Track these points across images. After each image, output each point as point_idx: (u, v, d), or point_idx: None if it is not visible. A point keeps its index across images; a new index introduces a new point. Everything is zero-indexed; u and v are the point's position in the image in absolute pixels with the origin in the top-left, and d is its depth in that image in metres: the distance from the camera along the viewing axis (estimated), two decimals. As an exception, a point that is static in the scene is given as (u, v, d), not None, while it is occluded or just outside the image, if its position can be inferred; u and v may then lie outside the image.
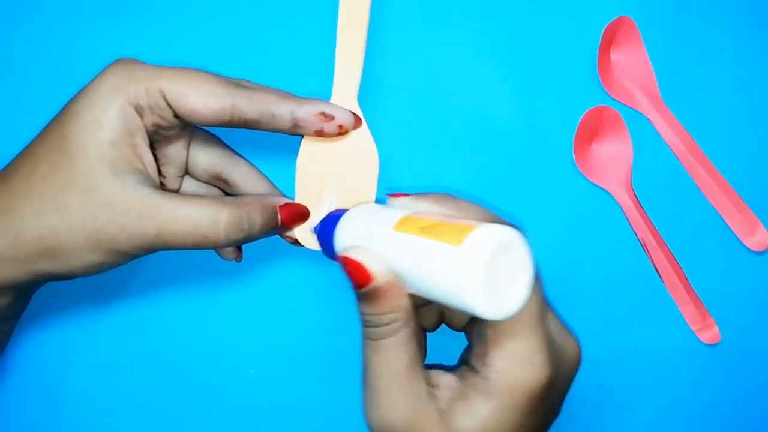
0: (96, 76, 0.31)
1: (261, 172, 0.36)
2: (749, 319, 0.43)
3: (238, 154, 0.36)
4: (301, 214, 0.34)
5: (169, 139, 0.33)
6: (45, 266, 0.31)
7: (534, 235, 0.41)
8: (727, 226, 0.43)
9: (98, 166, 0.30)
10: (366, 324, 0.29)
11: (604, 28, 0.42)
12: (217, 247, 0.32)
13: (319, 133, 0.33)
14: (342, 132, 0.33)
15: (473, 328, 0.31)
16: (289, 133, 0.33)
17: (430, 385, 0.29)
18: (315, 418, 0.42)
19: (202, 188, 0.36)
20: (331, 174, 0.35)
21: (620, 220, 0.43)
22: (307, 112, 0.32)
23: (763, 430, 0.43)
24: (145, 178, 0.31)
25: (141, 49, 0.41)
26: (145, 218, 0.30)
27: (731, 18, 0.43)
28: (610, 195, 0.43)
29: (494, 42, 0.42)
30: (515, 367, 0.28)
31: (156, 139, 0.33)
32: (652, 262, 0.43)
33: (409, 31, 0.42)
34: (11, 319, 0.35)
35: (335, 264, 0.42)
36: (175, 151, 0.34)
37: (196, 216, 0.31)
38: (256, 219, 0.32)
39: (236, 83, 0.31)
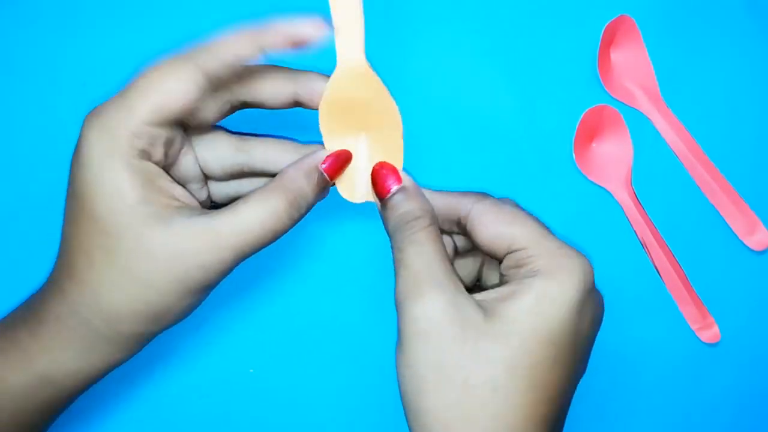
0: (79, 148, 0.29)
1: (274, 137, 0.34)
2: (749, 319, 0.43)
3: (246, 135, 0.34)
4: (344, 159, 0.33)
5: (177, 160, 0.32)
6: (150, 329, 0.31)
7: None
8: (727, 226, 0.43)
9: (145, 230, 0.29)
10: (396, 226, 0.32)
11: (604, 27, 0.42)
12: (287, 232, 0.31)
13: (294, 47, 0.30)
14: (302, 44, 0.30)
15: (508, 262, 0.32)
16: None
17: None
18: (315, 418, 0.42)
19: (233, 183, 0.35)
20: (357, 133, 0.34)
21: (620, 220, 0.43)
22: (273, 45, 0.30)
23: (763, 430, 0.43)
24: (189, 210, 0.30)
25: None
26: (216, 247, 0.29)
27: (731, 18, 0.43)
28: (610, 194, 0.43)
29: (494, 42, 0.42)
30: (561, 259, 0.30)
31: (168, 165, 0.32)
32: (652, 261, 0.43)
33: (408, 31, 0.42)
34: None
35: (338, 264, 0.42)
36: (185, 168, 0.33)
37: (256, 218, 0.30)
38: (306, 189, 0.32)
39: (198, 49, 0.30)
